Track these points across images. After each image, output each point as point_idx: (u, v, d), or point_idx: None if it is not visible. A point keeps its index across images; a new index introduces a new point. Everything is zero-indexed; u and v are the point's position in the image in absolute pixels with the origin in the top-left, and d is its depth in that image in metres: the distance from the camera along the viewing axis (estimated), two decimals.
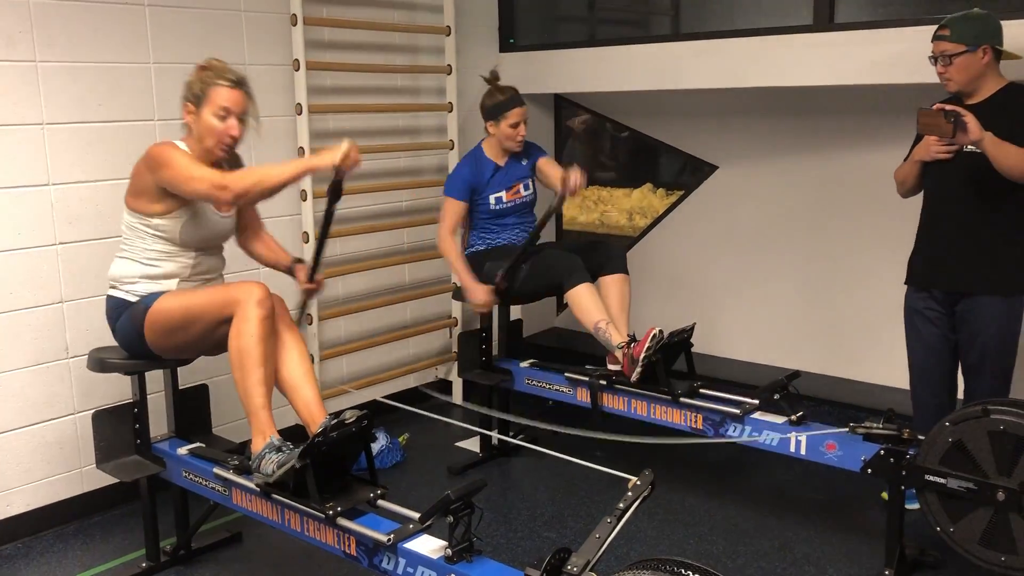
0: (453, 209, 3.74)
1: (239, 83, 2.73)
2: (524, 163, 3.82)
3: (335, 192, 2.77)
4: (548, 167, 3.80)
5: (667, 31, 4.78)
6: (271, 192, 2.65)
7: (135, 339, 2.79)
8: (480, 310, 3.77)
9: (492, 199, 3.72)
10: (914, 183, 3.14)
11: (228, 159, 2.82)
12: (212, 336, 2.73)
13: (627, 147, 5.26)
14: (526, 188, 3.82)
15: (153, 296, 2.75)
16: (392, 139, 4.39)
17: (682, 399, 3.26)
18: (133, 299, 2.78)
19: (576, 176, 3.46)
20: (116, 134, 3.37)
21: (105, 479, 3.09)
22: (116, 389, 3.25)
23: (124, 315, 2.80)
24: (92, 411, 2.95)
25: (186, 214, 2.74)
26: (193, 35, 3.56)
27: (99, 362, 2.88)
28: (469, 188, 3.72)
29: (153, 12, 3.44)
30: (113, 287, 2.83)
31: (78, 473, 3.38)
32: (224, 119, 2.71)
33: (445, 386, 4.68)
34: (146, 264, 2.77)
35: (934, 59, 2.95)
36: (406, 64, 4.41)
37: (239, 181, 2.60)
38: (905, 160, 3.16)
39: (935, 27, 2.96)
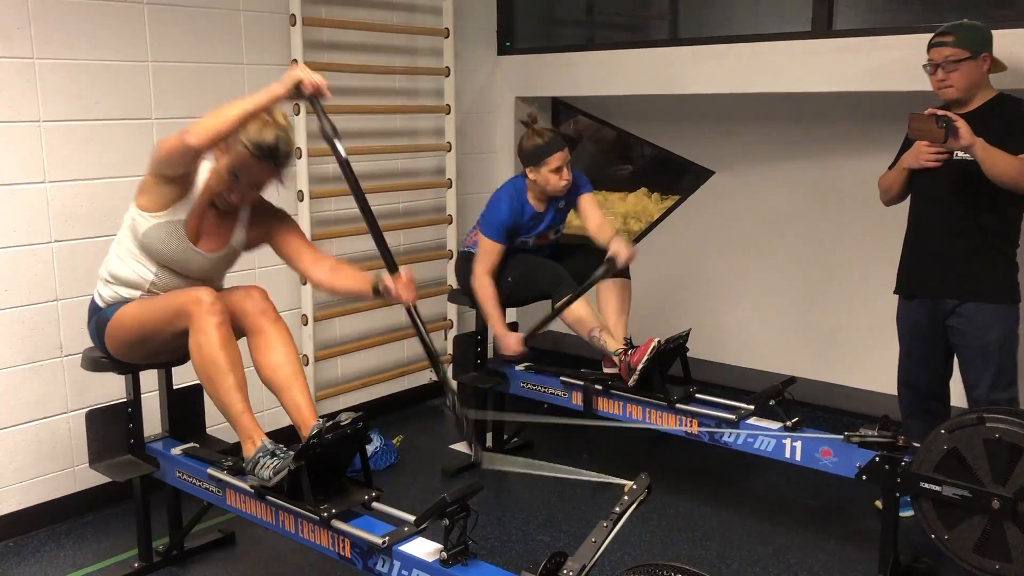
0: (491, 250, 3.54)
1: (266, 156, 2.56)
2: (562, 204, 3.68)
3: (329, 130, 2.61)
4: (589, 210, 3.62)
5: (665, 36, 4.79)
6: (232, 125, 2.44)
7: (100, 345, 2.79)
8: (512, 358, 3.58)
9: (519, 241, 3.64)
10: (899, 191, 3.15)
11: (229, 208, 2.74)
12: (172, 346, 2.69)
13: (624, 151, 5.26)
14: (556, 233, 3.74)
15: (114, 307, 2.71)
16: (390, 140, 4.38)
17: (678, 404, 3.26)
18: (101, 304, 2.76)
19: (624, 255, 3.31)
20: (113, 132, 3.36)
21: (98, 478, 3.07)
22: (110, 388, 3.23)
23: (93, 319, 2.79)
24: (86, 410, 2.94)
25: (161, 218, 2.63)
26: (192, 34, 3.56)
27: (93, 361, 2.87)
28: (508, 232, 3.56)
29: (152, 10, 3.43)
30: (98, 284, 2.80)
31: (71, 472, 3.36)
32: (232, 179, 2.61)
33: (439, 388, 4.67)
34: (120, 264, 2.71)
35: (933, 66, 2.95)
36: (404, 66, 4.41)
37: (198, 123, 2.45)
38: (890, 168, 3.17)
39: (933, 34, 2.97)
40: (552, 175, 3.48)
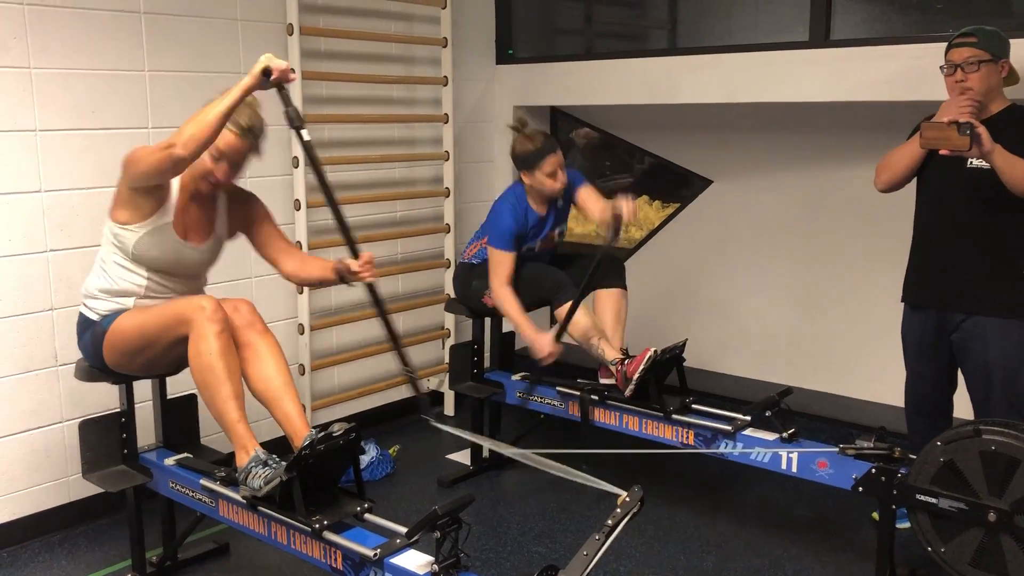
0: (504, 260, 3.53)
1: (247, 132, 2.68)
2: (561, 204, 3.68)
3: (294, 116, 2.63)
4: (589, 201, 3.60)
5: (664, 45, 4.79)
6: (216, 127, 2.48)
7: (96, 359, 2.78)
8: (547, 362, 3.49)
9: (524, 248, 3.62)
10: (904, 173, 3.02)
11: (213, 191, 2.80)
12: (170, 355, 2.70)
13: (624, 160, 5.27)
14: (560, 234, 3.75)
15: (111, 317, 2.71)
16: (387, 149, 4.38)
17: (674, 415, 3.25)
18: (95, 317, 2.76)
19: (628, 208, 3.20)
20: (109, 141, 3.36)
21: (92, 488, 3.07)
22: (104, 398, 3.22)
23: (87, 333, 2.78)
24: (79, 420, 2.93)
25: (147, 227, 2.67)
26: (189, 43, 3.56)
27: (86, 371, 2.86)
28: (516, 240, 3.55)
29: (149, 20, 3.43)
30: (82, 303, 2.82)
31: (65, 482, 3.35)
32: (216, 160, 2.68)
33: (437, 398, 4.66)
34: (107, 277, 2.73)
35: (952, 66, 2.88)
36: (402, 75, 4.40)
37: (180, 133, 2.47)
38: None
39: (930, 44, 2.95)
40: (547, 179, 3.49)
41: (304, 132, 2.68)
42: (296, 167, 3.89)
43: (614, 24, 5.15)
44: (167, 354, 2.71)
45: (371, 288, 2.82)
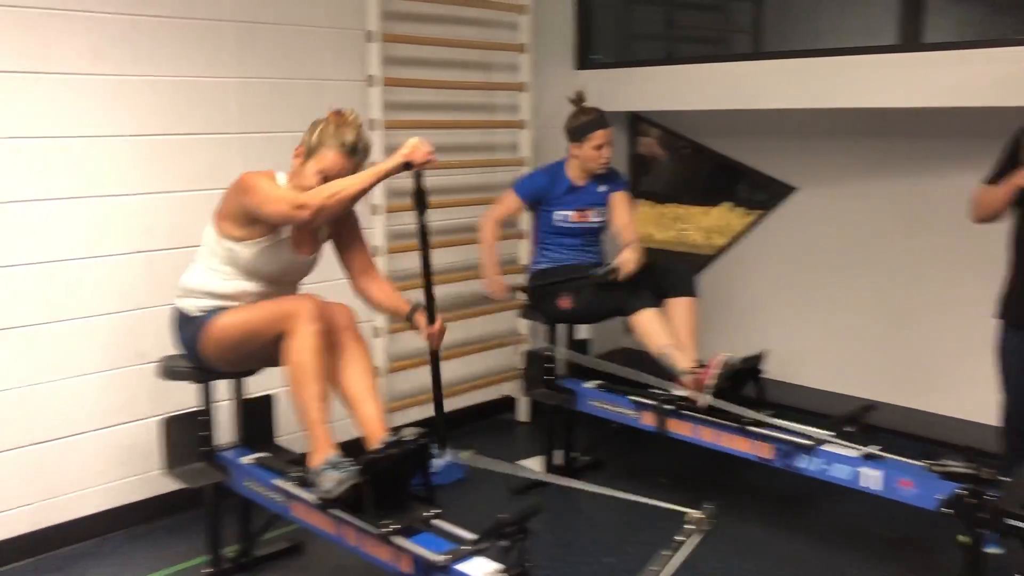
0: (509, 202, 3.80)
1: (352, 151, 2.73)
2: (602, 189, 3.77)
3: (419, 199, 2.74)
4: (619, 206, 3.77)
5: (747, 50, 4.70)
6: (348, 203, 2.66)
7: (194, 352, 2.85)
8: (495, 296, 3.88)
9: (557, 215, 3.69)
10: (1002, 210, 2.95)
11: None
12: (266, 351, 2.75)
13: (705, 165, 5.18)
14: (597, 215, 3.78)
15: (213, 313, 2.79)
16: (465, 155, 4.40)
17: (750, 427, 3.17)
18: (196, 313, 2.83)
19: (628, 267, 3.47)
20: (196, 147, 3.46)
21: (172, 484, 3.15)
22: (187, 397, 3.30)
23: (185, 328, 2.86)
24: (162, 417, 3.02)
25: (263, 244, 2.76)
26: (272, 51, 3.64)
27: (170, 370, 2.95)
28: (536, 194, 3.74)
29: (234, 28, 3.52)
30: (180, 297, 2.89)
31: (147, 477, 3.45)
32: (322, 180, 2.71)
33: (509, 403, 4.66)
34: (214, 282, 2.81)
35: None
36: (480, 81, 4.42)
37: (315, 197, 2.61)
38: (988, 183, 2.98)
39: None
40: (593, 151, 3.64)
41: (426, 220, 2.79)
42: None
43: (696, 28, 5.08)
44: (264, 350, 2.76)
45: (433, 356, 2.91)
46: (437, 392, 2.94)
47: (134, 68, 3.29)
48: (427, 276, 2.85)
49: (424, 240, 2.82)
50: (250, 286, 2.81)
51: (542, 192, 3.72)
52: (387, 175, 2.68)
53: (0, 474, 3.14)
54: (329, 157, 2.69)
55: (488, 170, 4.52)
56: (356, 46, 3.90)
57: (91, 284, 3.27)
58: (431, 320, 2.84)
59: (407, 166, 2.66)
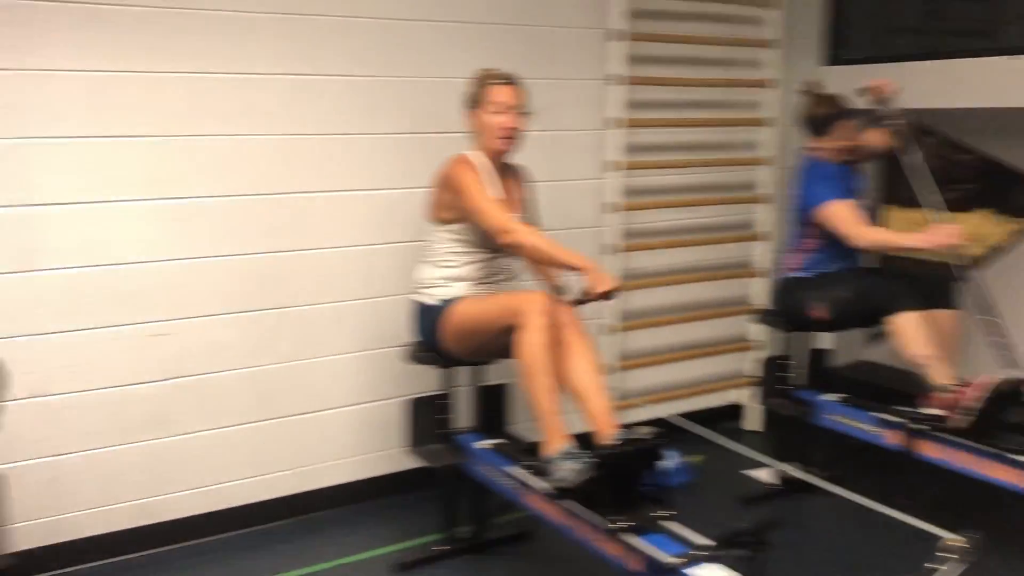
0: (845, 207, 3.42)
1: (509, 80, 2.97)
2: (855, 177, 3.62)
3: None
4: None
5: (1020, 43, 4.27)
6: (543, 262, 3.00)
7: (432, 341, 3.01)
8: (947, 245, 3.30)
9: None
10: None
11: (510, 151, 3.02)
12: (497, 343, 2.85)
13: (962, 168, 4.77)
14: (861, 204, 3.56)
15: (449, 301, 2.94)
16: (703, 153, 4.32)
17: (1016, 456, 2.88)
18: (432, 302, 2.99)
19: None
20: (441, 144, 3.60)
21: (411, 462, 3.32)
22: (428, 381, 3.45)
23: (424, 318, 3.02)
24: (406, 398, 3.19)
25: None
26: (510, 51, 3.69)
27: (417, 355, 3.11)
28: (843, 191, 3.48)
29: (477, 29, 3.65)
30: (417, 290, 3.07)
31: (389, 454, 3.64)
32: (500, 114, 2.93)
33: (733, 410, 4.53)
34: (442, 267, 2.99)
35: None
36: (722, 78, 4.32)
37: (521, 234, 2.80)
38: None
39: None
40: (844, 143, 3.52)
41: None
42: (612, 170, 3.95)
43: (963, 20, 4.68)
44: (495, 341, 2.87)
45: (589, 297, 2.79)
46: None
47: (388, 70, 3.49)
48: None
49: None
50: (476, 258, 2.97)
51: (843, 185, 3.51)
52: (575, 269, 2.75)
53: (268, 440, 3.45)
54: (495, 91, 2.94)
55: (725, 170, 4.40)
56: (596, 45, 3.92)
57: (345, 272, 3.51)
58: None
59: (585, 297, 2.77)
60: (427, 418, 3.14)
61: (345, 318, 3.54)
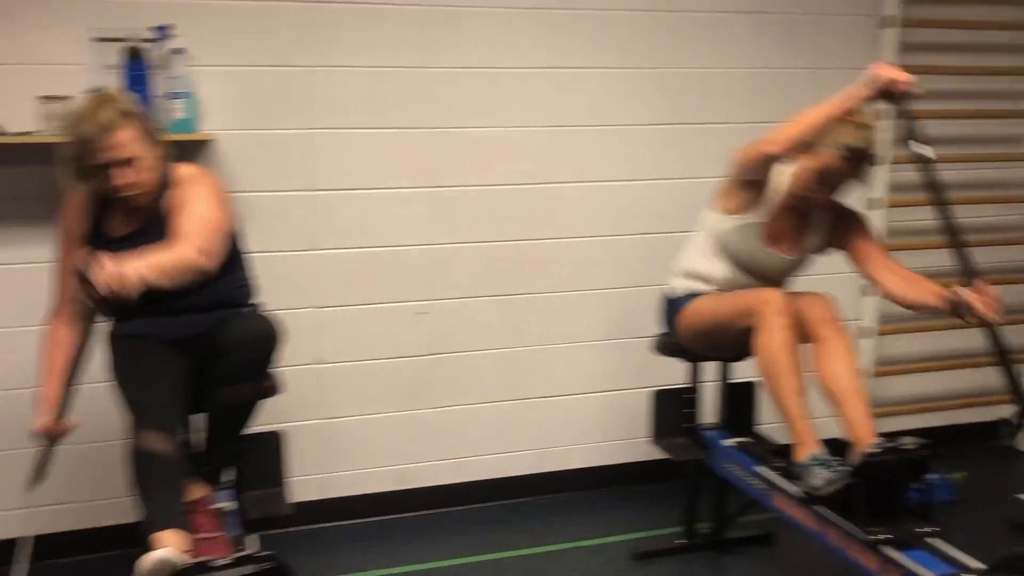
0: None
1: (847, 154, 2.59)
2: None
3: (911, 132, 2.53)
4: None
5: None
6: (808, 131, 2.53)
7: (673, 331, 2.99)
8: None
9: None
10: None
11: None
12: (734, 343, 2.78)
13: None
14: None
15: (689, 297, 2.89)
16: (983, 148, 3.98)
17: None
18: (679, 294, 2.95)
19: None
20: (700, 137, 3.58)
21: (651, 453, 3.33)
22: (671, 373, 3.43)
23: (669, 307, 3.00)
24: (651, 389, 3.20)
25: (737, 220, 2.80)
26: (773, 40, 3.63)
27: (664, 346, 3.11)
28: None
29: (739, 19, 3.58)
30: (671, 277, 3.02)
31: (630, 443, 3.68)
32: (818, 181, 2.67)
33: (1003, 428, 4.15)
34: (697, 260, 2.91)
35: None
36: (1008, 66, 3.95)
37: (775, 130, 2.58)
38: None
39: None
40: None
41: (923, 149, 2.52)
42: (878, 164, 3.73)
43: None
44: (732, 341, 2.82)
45: (991, 330, 2.47)
46: (1012, 376, 2.48)
47: (650, 61, 3.50)
48: (954, 235, 2.51)
49: (939, 187, 2.54)
50: (724, 267, 2.85)
51: None
52: (852, 99, 2.50)
53: (513, 419, 3.59)
54: (824, 156, 2.62)
55: (1007, 166, 4.04)
56: (866, 32, 3.72)
57: (594, 262, 3.58)
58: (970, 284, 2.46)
59: (884, 92, 2.47)
60: (672, 411, 3.14)
61: (593, 306, 3.61)
